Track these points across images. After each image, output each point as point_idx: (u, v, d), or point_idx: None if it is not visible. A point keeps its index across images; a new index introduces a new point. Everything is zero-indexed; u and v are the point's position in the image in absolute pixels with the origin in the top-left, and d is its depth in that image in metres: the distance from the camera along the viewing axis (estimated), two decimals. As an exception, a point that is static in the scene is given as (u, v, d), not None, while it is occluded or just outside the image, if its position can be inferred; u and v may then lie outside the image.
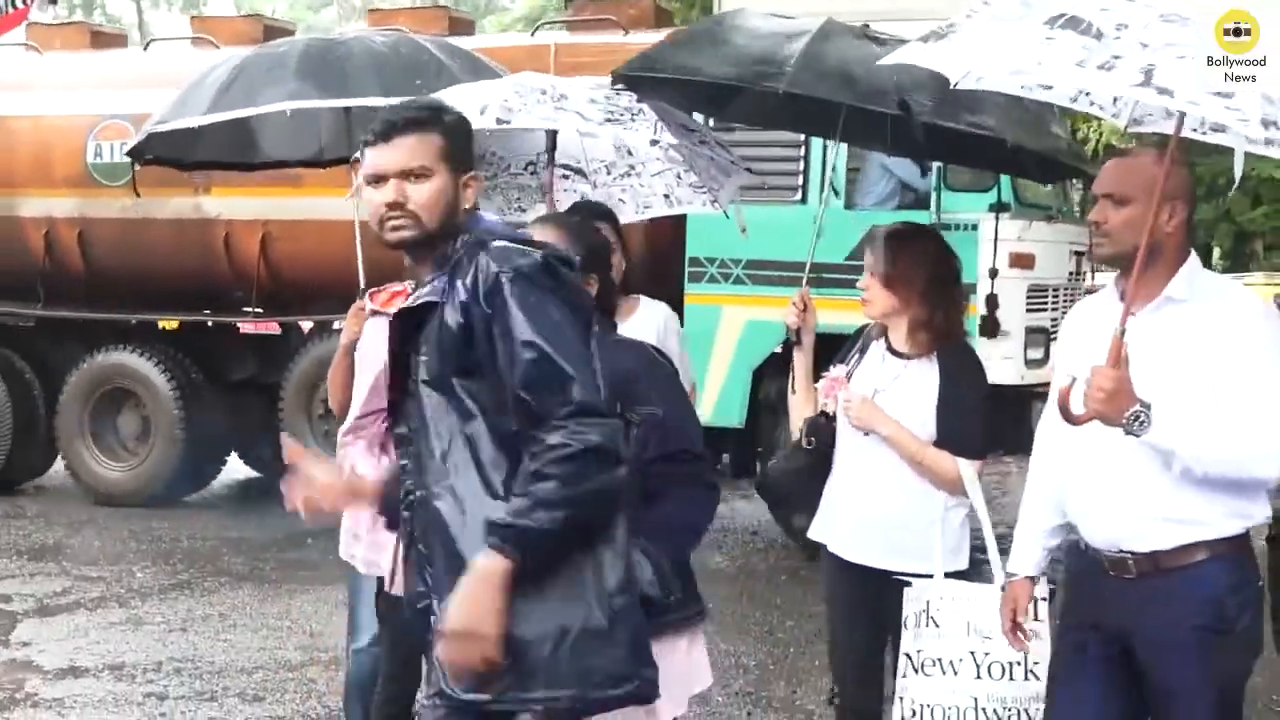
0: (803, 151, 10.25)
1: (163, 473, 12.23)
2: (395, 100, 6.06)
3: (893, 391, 4.53)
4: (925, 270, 4.53)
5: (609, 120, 5.42)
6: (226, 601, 9.08)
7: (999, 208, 9.63)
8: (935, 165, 9.63)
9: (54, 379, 12.73)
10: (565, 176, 6.22)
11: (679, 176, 6.23)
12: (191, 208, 11.96)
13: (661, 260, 10.75)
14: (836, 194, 10.13)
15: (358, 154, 3.40)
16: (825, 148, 10.10)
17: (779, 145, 10.20)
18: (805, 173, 10.28)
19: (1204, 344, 3.56)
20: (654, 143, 6.05)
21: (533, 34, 12.08)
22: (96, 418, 12.46)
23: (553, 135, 5.68)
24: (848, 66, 4.85)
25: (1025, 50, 3.29)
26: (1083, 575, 3.85)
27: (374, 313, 4.98)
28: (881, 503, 4.53)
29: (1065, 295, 10.61)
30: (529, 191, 6.35)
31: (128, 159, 7.26)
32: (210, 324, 12.66)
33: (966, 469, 4.42)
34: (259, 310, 12.14)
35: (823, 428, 4.71)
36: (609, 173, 6.35)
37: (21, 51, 13.24)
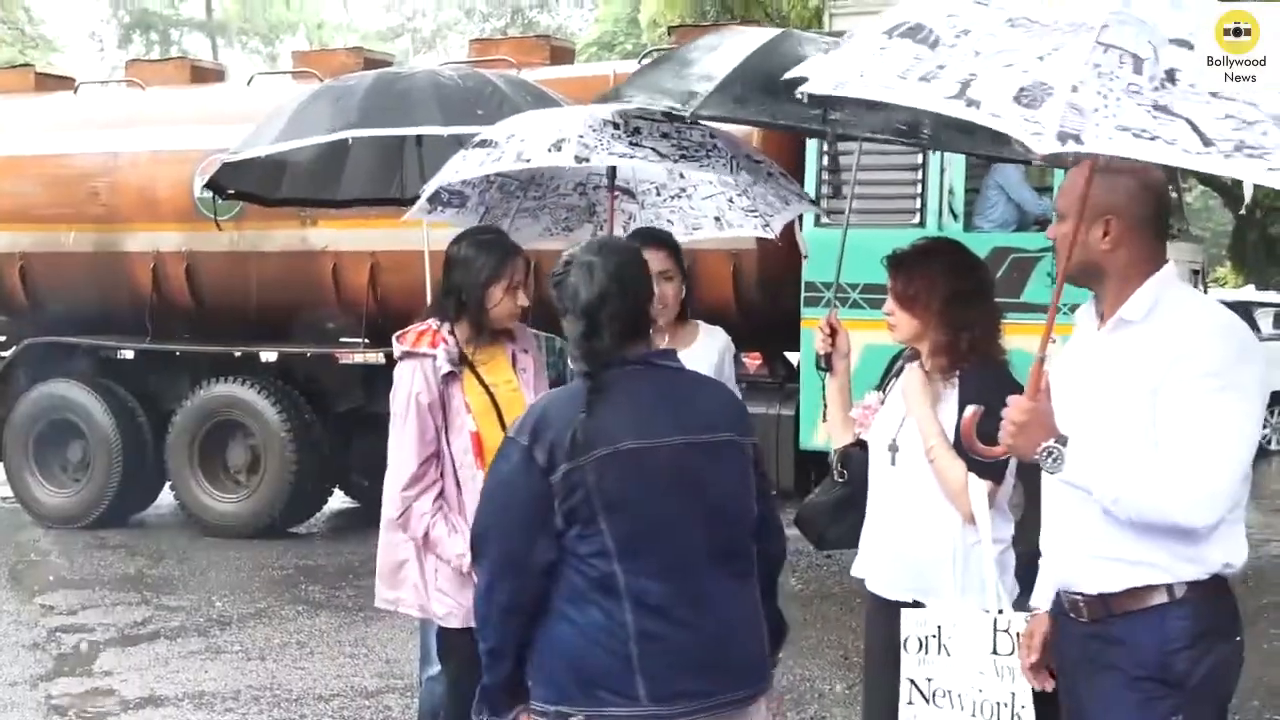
0: (920, 175, 10.14)
1: (273, 504, 12.30)
2: (456, 129, 6.33)
3: (912, 421, 4.36)
4: (941, 289, 4.31)
5: (684, 158, 5.39)
6: (304, 629, 9.14)
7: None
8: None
9: (162, 412, 12.89)
10: (613, 196, 6.06)
11: (731, 201, 6.17)
12: (298, 240, 12.13)
13: (776, 284, 10.78)
14: (955, 216, 10.10)
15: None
16: (943, 170, 9.99)
17: (897, 168, 10.11)
18: (923, 195, 10.22)
19: (1147, 371, 3.32)
20: (705, 168, 5.85)
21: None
22: (206, 450, 12.60)
23: (611, 166, 5.61)
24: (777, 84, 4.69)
25: (857, 61, 3.21)
26: (1055, 617, 3.69)
27: (405, 355, 4.94)
28: (908, 534, 4.35)
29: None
30: (577, 212, 6.29)
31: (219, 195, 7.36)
32: (312, 354, 12.75)
33: (976, 485, 4.17)
34: (366, 340, 12.19)
35: (856, 458, 4.59)
36: (658, 194, 6.30)
37: (124, 88, 13.45)
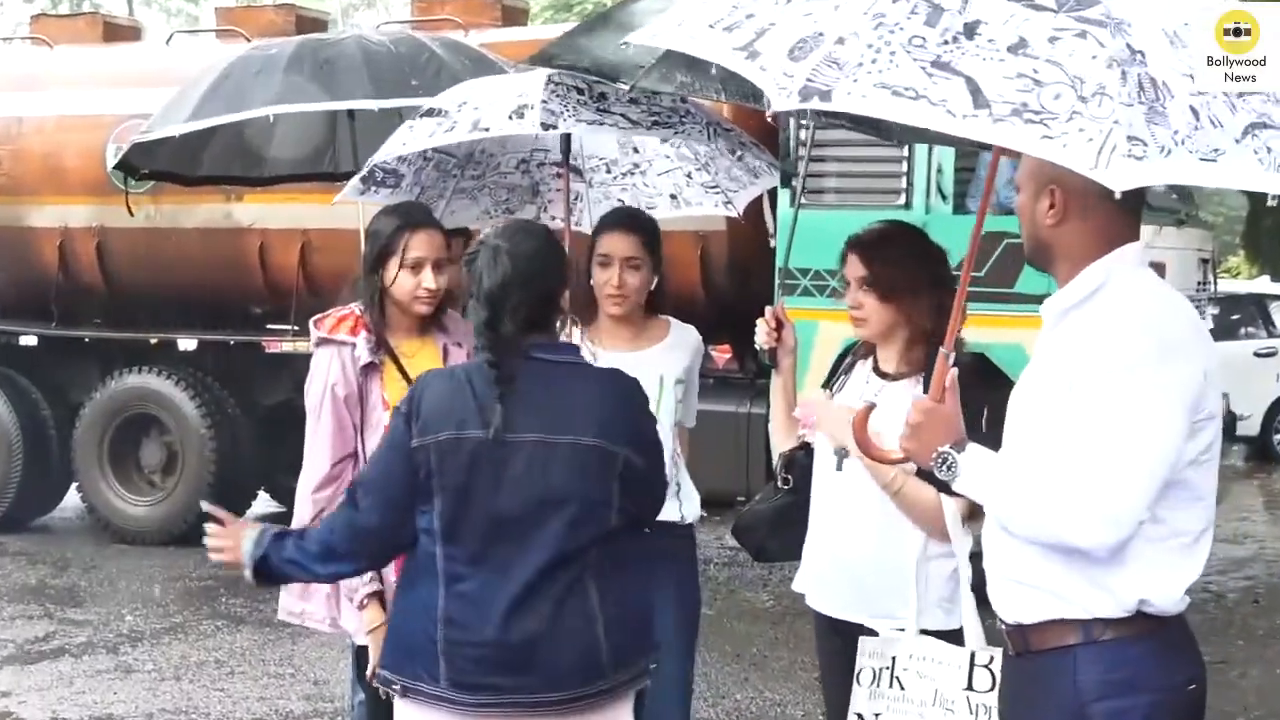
0: (906, 151, 10.12)
1: (190, 508, 12.19)
2: (390, 103, 6.34)
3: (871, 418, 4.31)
4: (926, 273, 4.30)
5: (657, 124, 5.40)
6: (224, 647, 9.06)
7: (1126, 211, 9.36)
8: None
9: (69, 404, 12.86)
10: (558, 175, 6.08)
11: (689, 176, 6.16)
12: (222, 216, 12.10)
13: (749, 269, 10.80)
14: (944, 197, 10.11)
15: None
16: (930, 148, 9.99)
17: (880, 144, 10.08)
18: (909, 174, 10.24)
19: (1067, 365, 3.23)
20: (665, 139, 6.00)
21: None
22: (117, 448, 12.56)
23: (566, 137, 5.60)
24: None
25: (683, 9, 3.33)
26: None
27: (321, 341, 4.91)
28: (853, 545, 4.33)
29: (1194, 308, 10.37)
30: (519, 192, 6.28)
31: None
32: (236, 343, 12.70)
33: (950, 505, 4.08)
34: (296, 328, 12.12)
35: (801, 463, 4.56)
36: (609, 171, 6.29)
37: (29, 46, 13.35)
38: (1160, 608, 3.19)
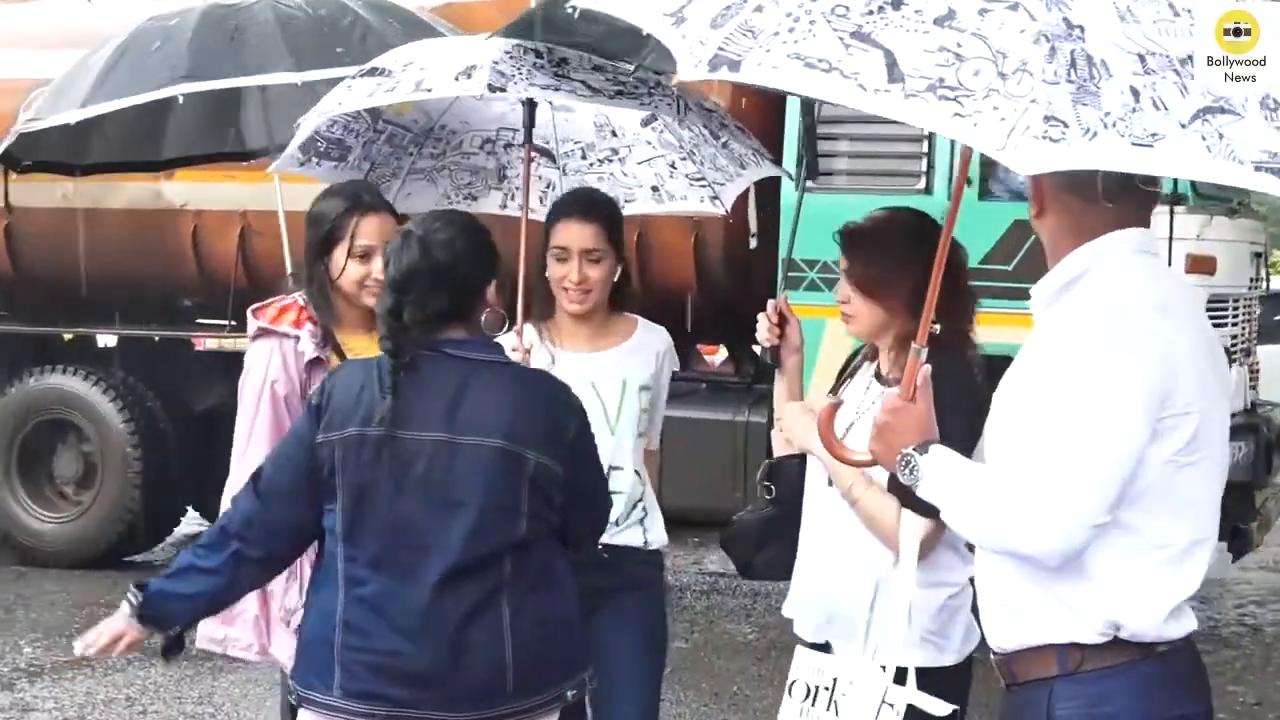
0: (928, 132, 9.98)
1: (111, 525, 12.15)
2: (313, 75, 6.26)
3: (862, 424, 4.25)
4: (913, 271, 4.16)
5: (621, 93, 5.36)
6: (136, 682, 8.97)
7: (1173, 200, 9.30)
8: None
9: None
10: (529, 154, 6.03)
11: (673, 166, 6.14)
12: (150, 195, 11.91)
13: (747, 261, 10.68)
14: (969, 181, 9.87)
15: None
16: None
17: (900, 123, 9.96)
18: (930, 155, 10.21)
19: (1034, 358, 3.37)
20: (647, 123, 6.03)
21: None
22: (27, 458, 12.43)
23: (531, 107, 5.55)
24: None
25: None
26: None
27: (261, 332, 4.91)
28: (829, 566, 4.39)
29: (1244, 307, 10.52)
30: (483, 175, 6.25)
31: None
32: (161, 339, 12.63)
33: (909, 523, 3.94)
34: (233, 323, 11.95)
35: (787, 471, 4.62)
36: (584, 156, 6.30)
37: (-70, -2, 13.16)
38: (1137, 631, 3.24)
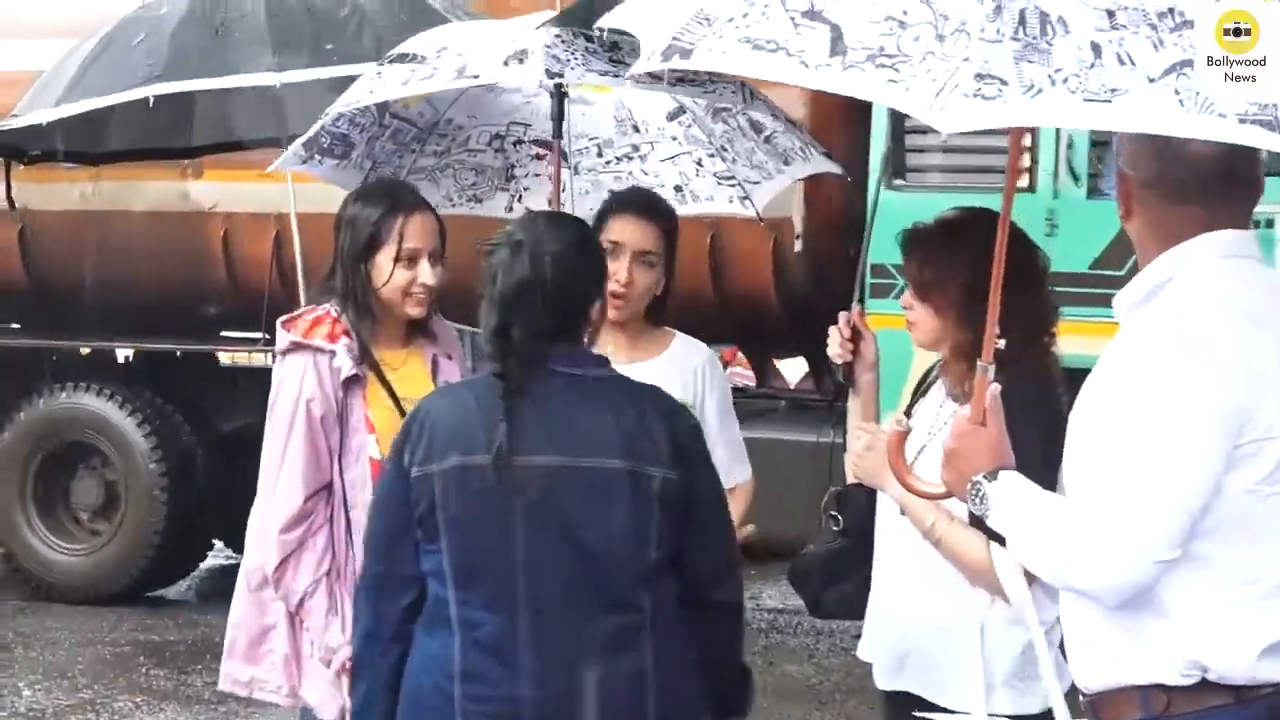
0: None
1: (135, 558, 12.08)
2: (292, 76, 6.29)
3: (933, 448, 4.22)
4: (963, 274, 4.27)
5: (682, 80, 5.24)
6: (143, 728, 9.07)
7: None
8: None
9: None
10: (539, 157, 6.12)
11: (699, 163, 6.11)
12: (177, 196, 11.90)
13: (831, 267, 10.50)
14: (1075, 178, 9.94)
15: None
16: None
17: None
18: (1034, 150, 10.03)
19: (1112, 374, 3.36)
20: (674, 116, 6.02)
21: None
22: (44, 484, 12.38)
23: (560, 100, 5.52)
24: None
25: None
26: None
27: (293, 347, 4.92)
28: (915, 605, 4.39)
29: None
30: (489, 175, 6.20)
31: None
32: (183, 353, 12.66)
33: (1003, 558, 3.95)
34: (267, 335, 11.93)
35: (854, 500, 4.66)
36: (600, 154, 6.26)
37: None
38: (1225, 673, 3.21)
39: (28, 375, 12.57)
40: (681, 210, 5.99)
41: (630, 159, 6.18)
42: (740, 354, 12.34)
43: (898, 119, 9.52)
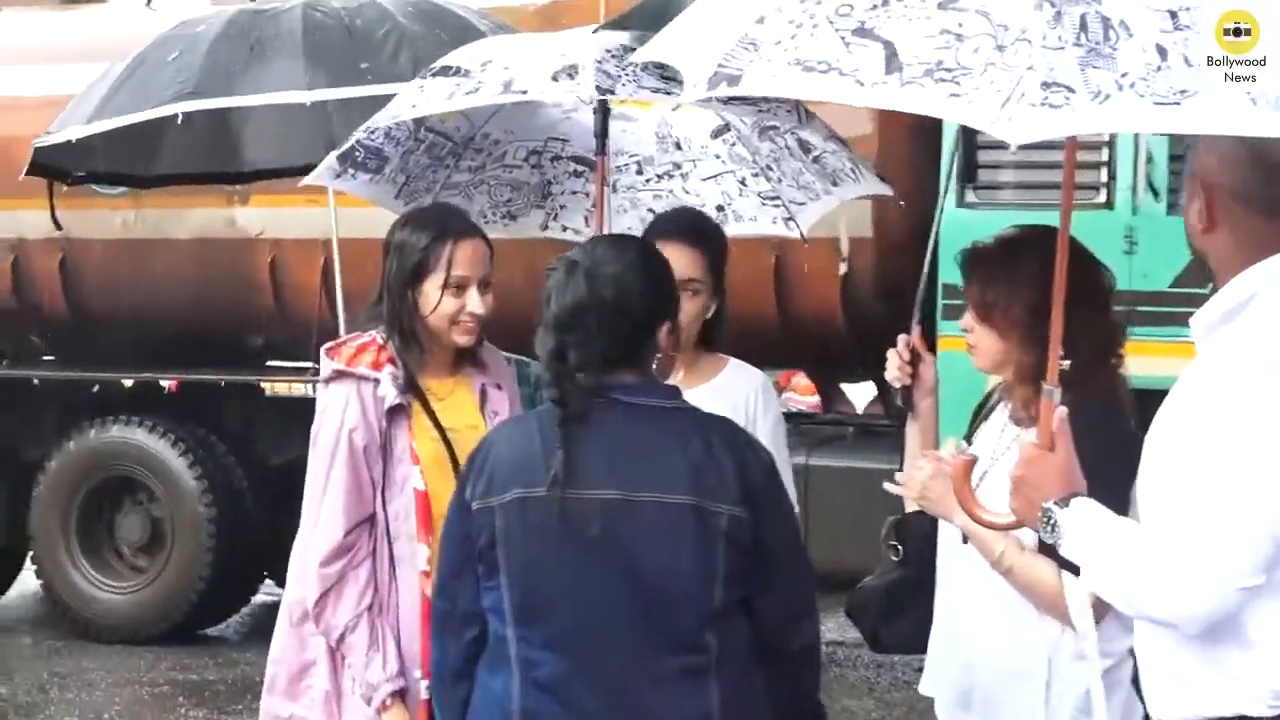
0: (1108, 136, 9.84)
1: (184, 596, 12.10)
2: (323, 94, 6.43)
3: (996, 474, 4.24)
4: (1028, 291, 4.25)
5: (734, 97, 5.16)
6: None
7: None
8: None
9: (23, 464, 12.70)
10: (577, 174, 6.14)
11: (743, 182, 6.09)
12: (223, 223, 11.95)
13: (902, 288, 10.32)
14: (1155, 194, 9.84)
15: None
16: (1137, 134, 9.75)
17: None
18: (1111, 165, 9.99)
19: (1193, 394, 3.33)
20: (718, 133, 6.01)
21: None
22: (88, 519, 12.38)
23: (604, 115, 5.50)
24: None
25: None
26: None
27: (337, 375, 4.92)
28: (980, 639, 4.36)
29: None
30: (525, 191, 6.19)
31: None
32: (236, 386, 12.63)
33: (1074, 587, 3.96)
34: (315, 366, 11.93)
35: (915, 528, 4.65)
36: (639, 171, 6.24)
37: (-35, 10, 13.31)
38: None
39: (69, 410, 12.61)
40: (727, 231, 6.00)
41: (671, 177, 6.18)
42: (797, 379, 12.29)
43: (968, 135, 9.49)
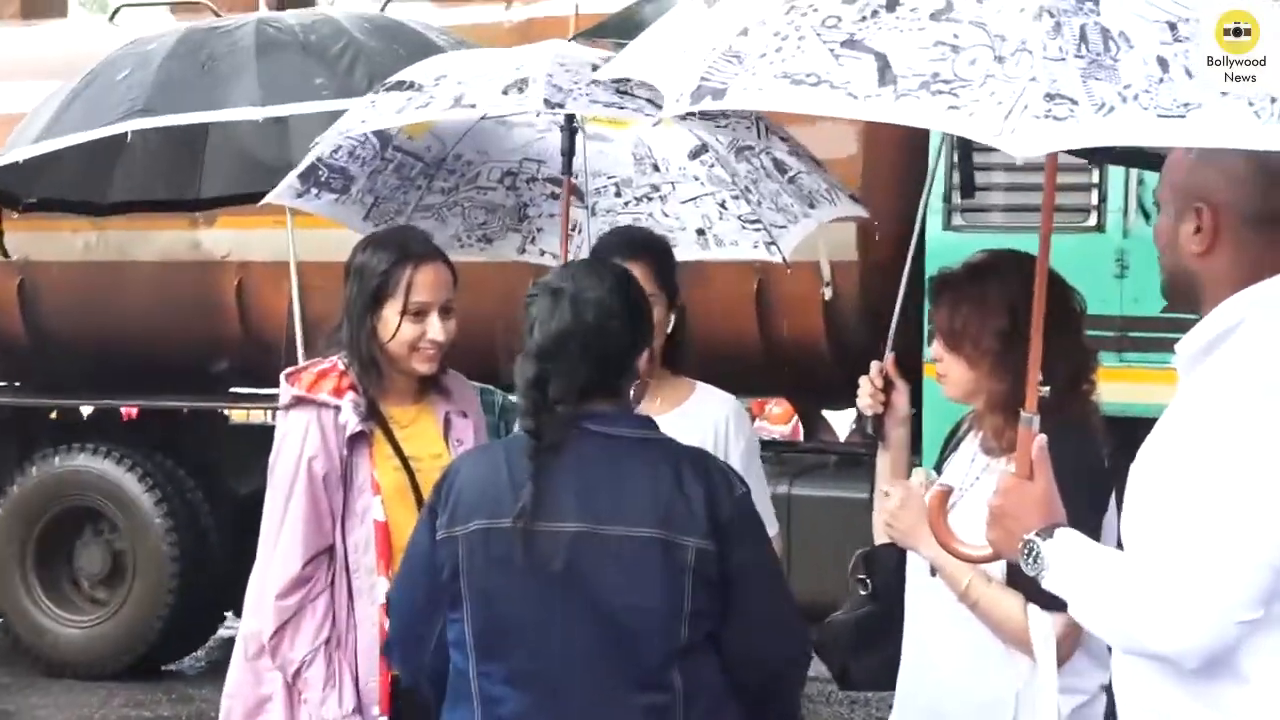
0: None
1: (146, 629, 12.03)
2: (277, 110, 6.39)
3: (964, 505, 4.21)
4: (995, 320, 4.31)
5: (692, 114, 5.21)
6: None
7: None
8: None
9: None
10: (554, 196, 6.14)
11: (723, 205, 6.13)
12: (187, 245, 11.90)
13: (881, 312, 10.28)
14: (1146, 216, 9.74)
15: None
16: None
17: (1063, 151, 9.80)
18: (1102, 187, 9.96)
19: (1178, 425, 3.31)
20: (696, 154, 6.04)
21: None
22: (46, 551, 12.33)
23: (570, 133, 5.52)
24: None
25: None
26: None
27: (297, 400, 4.93)
28: (949, 674, 4.35)
29: None
30: (500, 214, 6.26)
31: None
32: (200, 413, 12.64)
33: (1039, 621, 4.04)
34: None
35: (884, 560, 4.66)
36: (618, 194, 6.29)
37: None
38: None
39: (28, 438, 12.58)
40: (705, 255, 6.12)
41: (650, 199, 6.21)
42: (770, 406, 12.25)
43: (962, 155, 9.47)
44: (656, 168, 6.17)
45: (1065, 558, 3.30)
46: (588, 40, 5.47)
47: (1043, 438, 3.43)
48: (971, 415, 4.59)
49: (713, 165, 6.03)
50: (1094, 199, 9.89)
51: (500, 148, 6.09)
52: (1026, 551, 3.33)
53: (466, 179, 6.15)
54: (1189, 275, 3.44)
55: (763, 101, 3.22)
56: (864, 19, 3.15)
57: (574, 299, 3.89)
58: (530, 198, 6.23)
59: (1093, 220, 9.86)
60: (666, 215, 6.16)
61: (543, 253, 6.22)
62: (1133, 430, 4.32)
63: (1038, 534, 3.33)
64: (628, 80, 5.06)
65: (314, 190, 5.62)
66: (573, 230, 6.06)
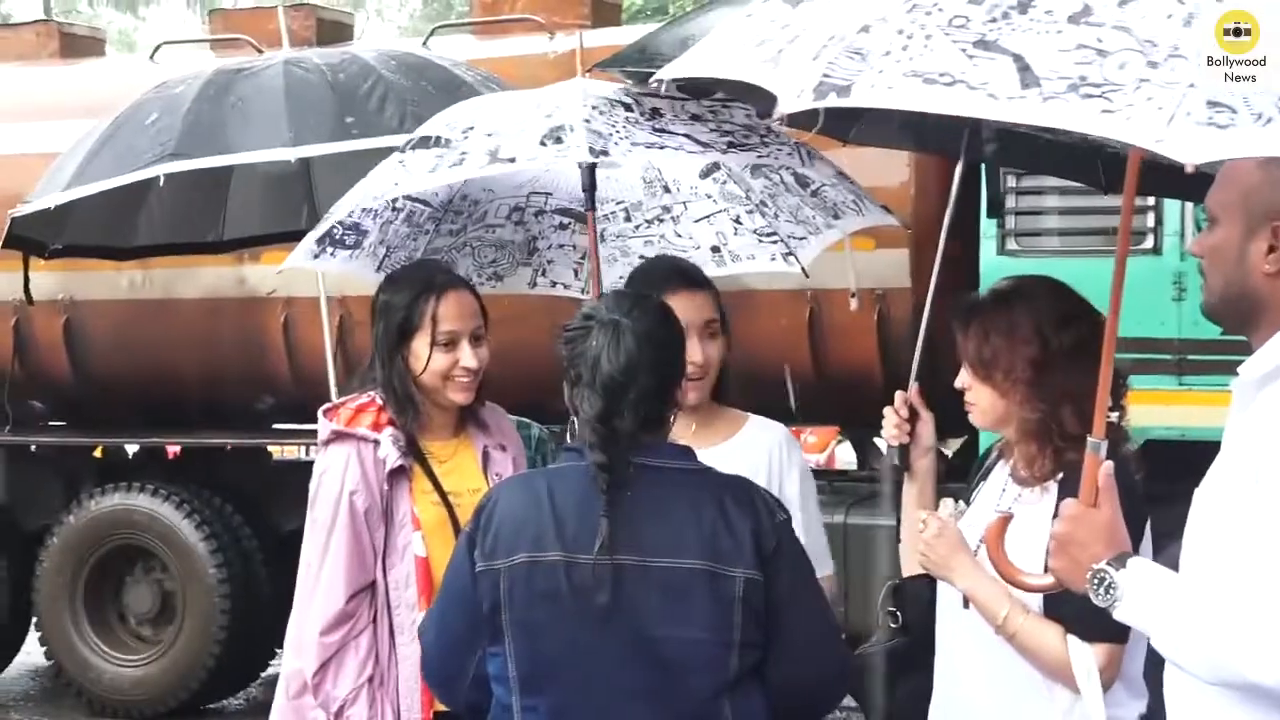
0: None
1: (195, 668, 12.01)
2: (307, 150, 6.48)
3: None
4: (1028, 348, 4.30)
5: (733, 146, 5.34)
6: None
7: None
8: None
9: (26, 533, 12.63)
10: (563, 227, 6.12)
11: (737, 221, 6.02)
12: (233, 282, 11.90)
13: (941, 340, 10.22)
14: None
15: None
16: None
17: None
18: (1158, 210, 9.93)
19: (1254, 451, 3.25)
20: (707, 173, 5.94)
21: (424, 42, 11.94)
22: (95, 590, 12.30)
23: (591, 169, 5.38)
24: None
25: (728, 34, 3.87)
26: None
27: (336, 435, 4.92)
28: (983, 706, 4.33)
29: None
30: (510, 250, 6.21)
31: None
32: (247, 450, 12.67)
33: (1080, 653, 4.04)
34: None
35: (914, 594, 4.64)
36: (628, 218, 6.21)
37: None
38: None
39: (73, 476, 12.56)
40: (720, 272, 5.96)
41: (662, 221, 6.14)
42: (805, 435, 12.18)
43: (986, 172, 9.45)
44: (667, 189, 6.11)
45: (1143, 587, 3.25)
46: (603, 72, 5.39)
47: (1109, 464, 3.38)
48: (1001, 443, 4.56)
49: (725, 182, 5.95)
50: (1150, 221, 9.88)
51: (506, 185, 6.02)
52: (1098, 581, 3.29)
53: (474, 219, 6.09)
54: (1253, 295, 3.40)
55: (892, 99, 3.16)
56: (994, 20, 3.14)
57: (634, 332, 3.89)
58: (539, 230, 6.20)
59: (1149, 243, 9.85)
60: (679, 235, 6.13)
61: (554, 284, 6.17)
62: (1194, 454, 4.27)
63: (1108, 563, 3.29)
64: (660, 114, 5.10)
65: (330, 249, 5.56)
66: (583, 259, 6.10)
